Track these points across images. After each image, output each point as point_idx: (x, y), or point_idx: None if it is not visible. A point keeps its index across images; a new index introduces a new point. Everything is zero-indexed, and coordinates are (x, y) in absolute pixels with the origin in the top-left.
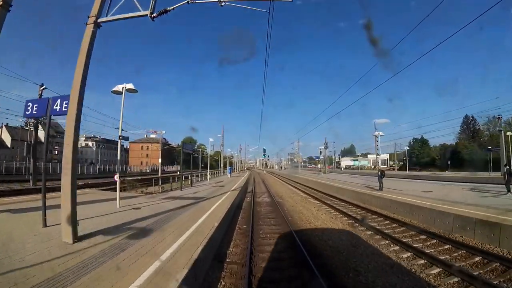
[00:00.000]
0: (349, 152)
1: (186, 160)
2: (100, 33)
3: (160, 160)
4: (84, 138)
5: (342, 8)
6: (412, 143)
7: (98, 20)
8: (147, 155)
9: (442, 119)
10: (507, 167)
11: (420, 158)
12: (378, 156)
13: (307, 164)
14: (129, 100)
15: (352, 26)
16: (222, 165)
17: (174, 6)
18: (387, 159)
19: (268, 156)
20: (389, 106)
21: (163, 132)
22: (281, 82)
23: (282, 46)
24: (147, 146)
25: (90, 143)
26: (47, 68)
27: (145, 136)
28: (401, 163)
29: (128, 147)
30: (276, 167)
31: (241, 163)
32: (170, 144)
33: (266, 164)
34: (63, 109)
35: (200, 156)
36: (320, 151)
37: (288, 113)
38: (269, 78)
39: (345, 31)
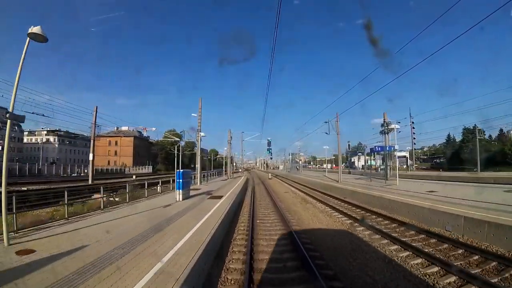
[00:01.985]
0: (356, 150)
1: (170, 159)
2: (100, 33)
3: (91, 156)
4: (45, 132)
5: (342, 8)
6: (464, 133)
7: None
8: (116, 152)
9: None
10: None
11: (474, 154)
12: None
13: (307, 164)
14: (127, 100)
15: (354, 26)
16: (199, 165)
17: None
18: (407, 157)
19: (271, 153)
20: (389, 106)
21: (154, 129)
22: (282, 82)
23: (282, 47)
24: (116, 141)
25: (51, 138)
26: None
27: (115, 129)
28: (424, 162)
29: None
30: (281, 167)
31: (232, 162)
32: (147, 139)
33: (267, 164)
34: None
35: (173, 153)
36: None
37: (288, 113)
38: (271, 77)
39: (346, 31)
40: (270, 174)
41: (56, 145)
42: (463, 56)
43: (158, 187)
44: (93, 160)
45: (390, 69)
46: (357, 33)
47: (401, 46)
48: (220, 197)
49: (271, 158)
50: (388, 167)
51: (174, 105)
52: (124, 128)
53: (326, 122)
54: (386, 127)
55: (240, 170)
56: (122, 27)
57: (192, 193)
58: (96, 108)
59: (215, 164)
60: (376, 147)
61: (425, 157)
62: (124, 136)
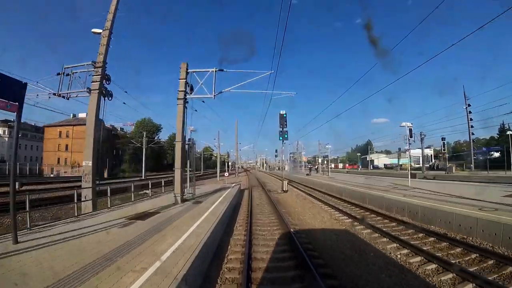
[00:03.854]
0: (365, 149)
1: (140, 157)
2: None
3: None
4: None
5: (342, 8)
6: None
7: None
8: (67, 146)
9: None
10: None
11: None
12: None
13: (307, 164)
14: (127, 100)
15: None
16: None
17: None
18: (431, 155)
19: (285, 139)
20: (388, 106)
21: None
22: (283, 82)
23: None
24: (67, 131)
25: (1, 131)
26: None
27: (71, 116)
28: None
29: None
30: (287, 167)
31: (191, 152)
32: (111, 131)
33: (268, 165)
34: None
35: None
36: None
37: (288, 114)
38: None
39: (347, 31)
40: (285, 181)
41: (6, 139)
42: (463, 55)
43: None
44: None
45: (389, 69)
46: (357, 33)
47: (401, 46)
48: None
49: (276, 156)
50: None
51: (173, 104)
52: (82, 115)
53: None
54: None
55: (226, 174)
56: (122, 27)
57: None
58: None
59: (209, 164)
60: None
61: (447, 155)
62: (77, 125)
